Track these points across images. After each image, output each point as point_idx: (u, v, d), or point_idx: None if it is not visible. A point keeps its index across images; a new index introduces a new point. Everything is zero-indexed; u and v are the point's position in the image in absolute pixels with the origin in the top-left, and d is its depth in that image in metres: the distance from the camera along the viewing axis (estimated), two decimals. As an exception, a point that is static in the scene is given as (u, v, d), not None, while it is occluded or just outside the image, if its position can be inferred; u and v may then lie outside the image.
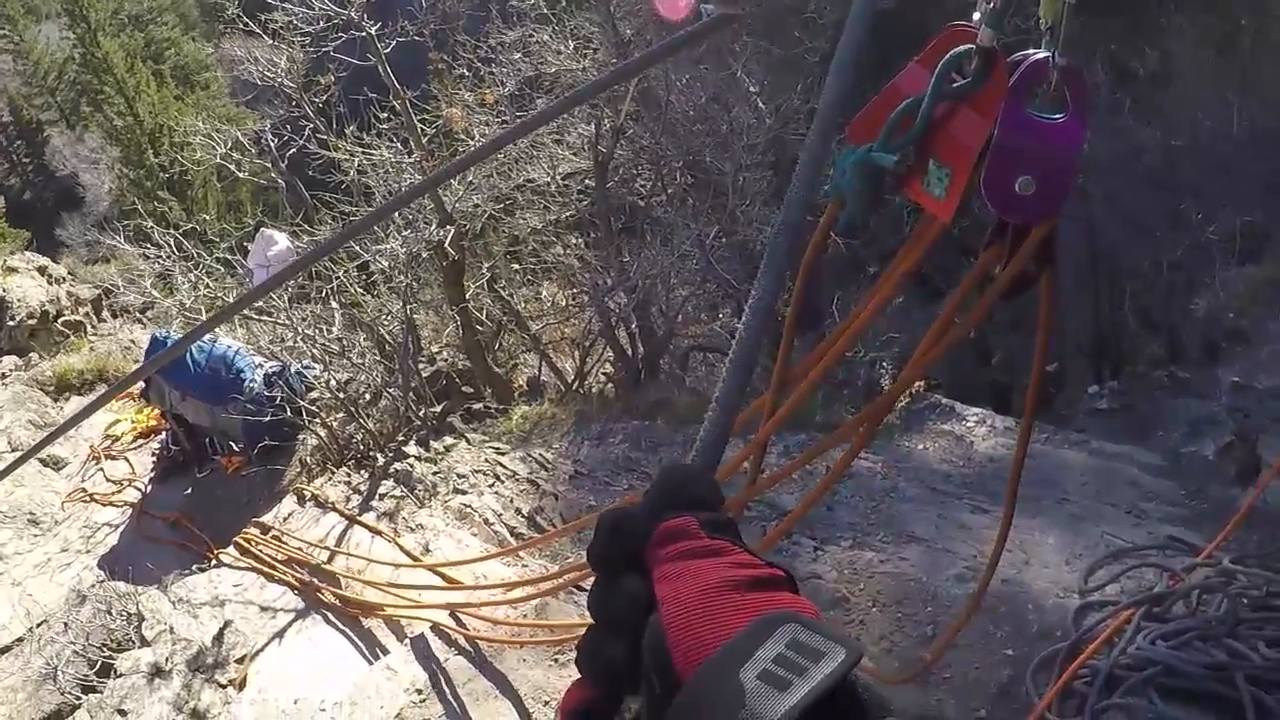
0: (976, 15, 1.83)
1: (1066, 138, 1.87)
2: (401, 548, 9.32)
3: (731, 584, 0.82)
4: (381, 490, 10.46)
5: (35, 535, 12.92)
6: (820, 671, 0.70)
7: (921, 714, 5.86)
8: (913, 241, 2.34)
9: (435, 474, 10.34)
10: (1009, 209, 1.92)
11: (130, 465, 14.37)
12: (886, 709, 0.72)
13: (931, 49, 1.95)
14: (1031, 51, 1.87)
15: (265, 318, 12.78)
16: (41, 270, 21.26)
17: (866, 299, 2.66)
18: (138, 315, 20.13)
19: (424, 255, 13.22)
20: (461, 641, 7.64)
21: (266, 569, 9.70)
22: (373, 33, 12.98)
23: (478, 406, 12.60)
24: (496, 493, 9.80)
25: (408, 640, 7.99)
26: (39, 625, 10.47)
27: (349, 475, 11.14)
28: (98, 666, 9.06)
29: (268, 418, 11.65)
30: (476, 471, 10.21)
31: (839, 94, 1.57)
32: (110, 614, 9.75)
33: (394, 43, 13.56)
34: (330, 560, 9.61)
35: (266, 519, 10.79)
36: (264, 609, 9.18)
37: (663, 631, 0.80)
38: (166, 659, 8.51)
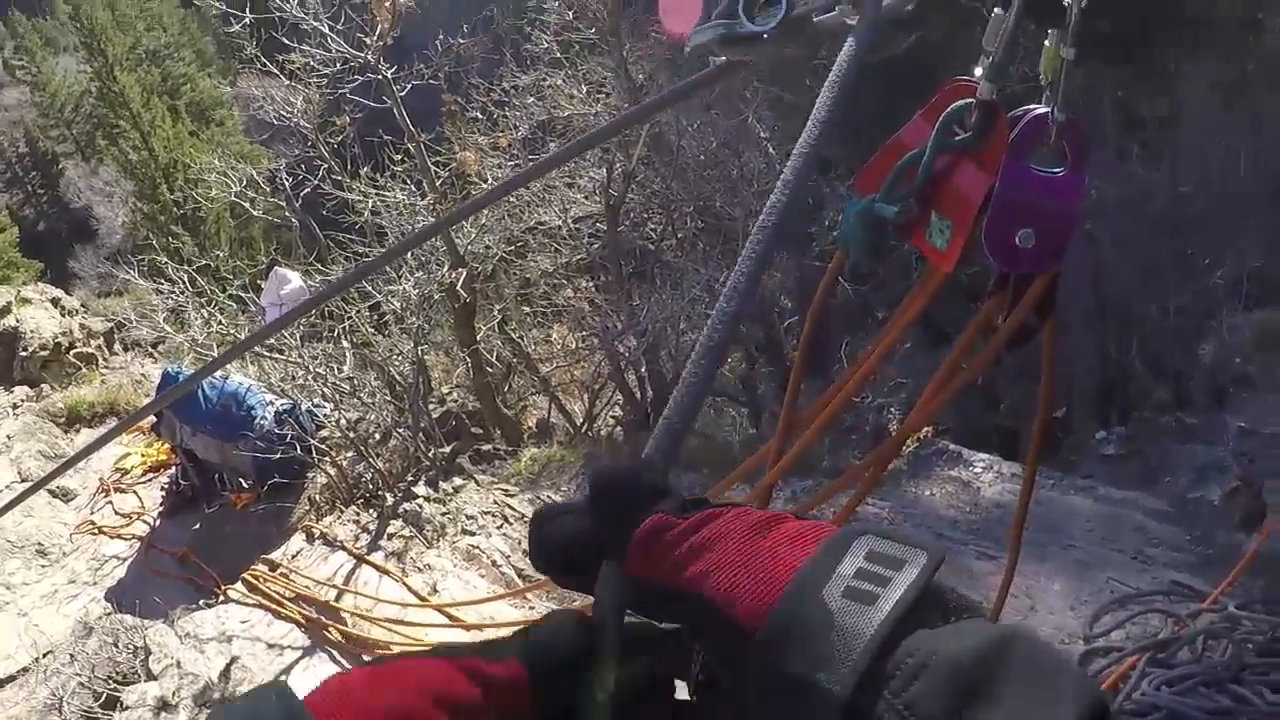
0: (978, 70, 1.87)
1: (1066, 192, 1.90)
2: (409, 587, 9.32)
3: (759, 527, 0.74)
4: (390, 530, 10.47)
5: (43, 566, 12.96)
6: (905, 578, 0.66)
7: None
8: (918, 289, 2.37)
9: (444, 514, 10.35)
10: (1009, 261, 1.94)
11: (139, 499, 14.41)
12: (975, 610, 0.67)
13: (934, 102, 1.99)
14: (1032, 106, 1.90)
15: (277, 355, 12.85)
16: (54, 302, 21.40)
17: (874, 344, 2.69)
18: (149, 349, 20.20)
19: (436, 296, 13.30)
20: (467, 681, 7.62)
21: (274, 606, 9.71)
22: (388, 75, 13.09)
23: (487, 448, 12.64)
24: (504, 534, 9.81)
25: (414, 679, 7.98)
26: (45, 656, 10.50)
27: (358, 514, 11.16)
28: (103, 699, 9.07)
29: (278, 455, 11.69)
30: (485, 513, 10.23)
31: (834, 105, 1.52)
32: (117, 647, 9.76)
33: (409, 86, 13.66)
34: (338, 598, 9.63)
35: (275, 556, 10.81)
36: (271, 646, 9.19)
37: (713, 603, 0.71)
38: (173, 693, 8.52)
